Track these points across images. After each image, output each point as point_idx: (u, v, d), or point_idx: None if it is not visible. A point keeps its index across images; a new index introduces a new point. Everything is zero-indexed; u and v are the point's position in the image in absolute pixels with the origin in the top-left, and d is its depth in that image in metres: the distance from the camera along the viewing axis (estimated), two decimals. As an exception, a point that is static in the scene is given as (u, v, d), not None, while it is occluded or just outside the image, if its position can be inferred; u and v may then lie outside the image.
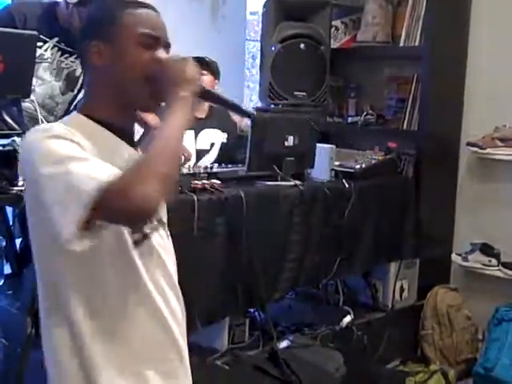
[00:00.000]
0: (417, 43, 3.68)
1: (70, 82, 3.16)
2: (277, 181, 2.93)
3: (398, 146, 3.53)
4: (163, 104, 1.42)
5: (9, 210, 2.59)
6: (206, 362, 2.63)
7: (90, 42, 1.42)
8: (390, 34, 3.84)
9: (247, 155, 2.91)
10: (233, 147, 3.49)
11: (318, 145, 3.15)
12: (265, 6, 3.46)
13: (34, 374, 1.98)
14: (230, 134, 3.55)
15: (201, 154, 3.39)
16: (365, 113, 3.89)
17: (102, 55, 1.42)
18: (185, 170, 2.70)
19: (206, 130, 3.49)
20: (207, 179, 2.67)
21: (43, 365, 1.48)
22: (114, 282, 1.38)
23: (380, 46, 3.82)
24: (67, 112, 3.09)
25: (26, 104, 2.61)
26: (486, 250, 3.55)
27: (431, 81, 3.61)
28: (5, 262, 2.47)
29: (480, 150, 3.51)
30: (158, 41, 1.44)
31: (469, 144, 3.56)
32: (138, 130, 2.68)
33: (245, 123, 3.39)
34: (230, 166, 2.97)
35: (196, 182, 2.61)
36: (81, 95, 2.99)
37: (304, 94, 3.43)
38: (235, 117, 3.65)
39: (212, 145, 3.50)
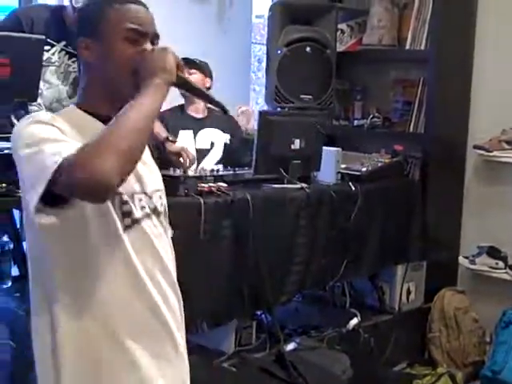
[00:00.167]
0: (423, 46, 3.68)
1: (77, 85, 3.17)
2: (283, 184, 2.93)
3: (405, 148, 3.53)
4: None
5: (16, 212, 2.60)
6: (213, 364, 2.64)
7: (81, 39, 1.46)
8: (395, 37, 3.85)
9: (254, 158, 2.91)
10: (239, 150, 3.49)
11: (325, 148, 3.15)
12: (271, 9, 3.47)
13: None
14: (234, 135, 3.55)
15: (201, 153, 3.39)
16: (371, 116, 3.89)
17: (91, 51, 1.45)
18: (191, 173, 2.71)
19: (205, 129, 3.50)
20: (214, 182, 2.68)
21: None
22: (102, 262, 1.39)
23: (386, 49, 3.83)
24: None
25: (33, 107, 2.62)
26: (493, 252, 3.54)
27: (437, 84, 3.61)
28: (12, 264, 2.49)
29: (487, 153, 3.51)
30: (146, 36, 1.46)
31: (475, 147, 3.56)
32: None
33: (251, 126, 3.40)
34: (236, 169, 2.97)
35: (202, 184, 2.62)
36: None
37: (310, 97, 3.44)
38: (240, 119, 3.65)
39: (212, 144, 3.50)
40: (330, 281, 3.13)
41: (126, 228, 1.41)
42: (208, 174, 2.76)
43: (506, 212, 3.64)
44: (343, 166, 3.25)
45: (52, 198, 1.30)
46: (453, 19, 3.63)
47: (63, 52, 3.07)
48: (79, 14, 1.57)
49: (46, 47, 2.85)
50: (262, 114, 3.04)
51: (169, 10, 3.78)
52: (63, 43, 3.06)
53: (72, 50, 3.09)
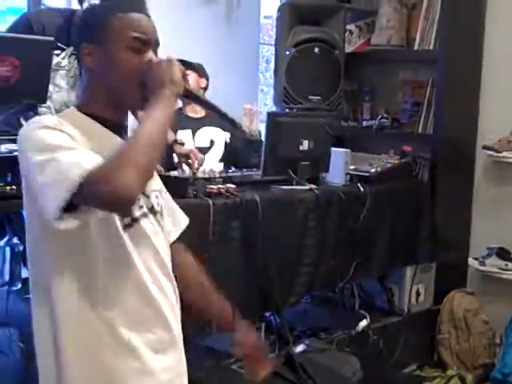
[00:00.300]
0: (431, 47, 3.67)
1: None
2: (292, 185, 2.93)
3: (413, 149, 3.52)
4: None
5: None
6: (222, 366, 2.64)
7: (83, 44, 1.48)
8: (404, 38, 3.83)
9: (262, 159, 2.91)
10: (240, 148, 3.48)
11: (333, 149, 3.14)
12: (279, 10, 3.47)
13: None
14: (234, 133, 3.54)
15: (201, 152, 3.38)
16: (379, 116, 3.88)
17: (93, 57, 1.47)
18: (200, 175, 2.71)
19: (204, 128, 3.50)
20: (222, 184, 2.67)
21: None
22: (102, 261, 1.43)
23: (394, 49, 3.82)
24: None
25: (42, 109, 2.62)
26: (503, 254, 3.53)
27: (446, 84, 3.60)
28: (22, 266, 2.49)
29: (496, 154, 3.50)
30: (149, 44, 1.48)
31: (485, 147, 3.55)
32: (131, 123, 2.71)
33: (254, 127, 3.38)
34: (245, 170, 2.97)
35: (211, 186, 2.61)
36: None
37: (319, 98, 3.43)
38: (244, 119, 3.64)
39: (212, 142, 3.50)
40: (339, 282, 3.12)
41: (126, 227, 1.45)
42: (217, 175, 2.76)
43: (515, 213, 3.63)
44: (352, 167, 3.24)
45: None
46: (462, 19, 3.62)
47: (73, 56, 3.07)
48: (81, 19, 1.57)
49: (57, 51, 2.85)
50: (270, 115, 3.03)
51: (177, 11, 3.79)
52: (73, 48, 3.06)
53: None
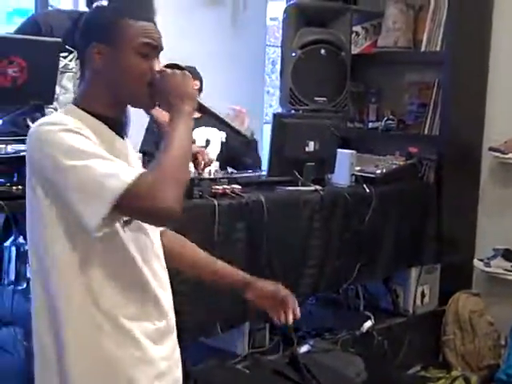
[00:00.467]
0: (438, 48, 3.67)
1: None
2: (297, 186, 2.93)
3: (419, 151, 3.52)
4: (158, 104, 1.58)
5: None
6: (227, 366, 2.64)
7: (93, 44, 1.52)
8: (411, 40, 3.83)
9: (268, 160, 2.92)
10: (236, 148, 3.47)
11: (339, 150, 3.15)
12: (285, 11, 3.48)
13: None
14: (229, 134, 3.53)
15: None
16: (385, 118, 3.88)
17: (103, 58, 1.51)
18: (205, 175, 2.72)
19: (199, 128, 3.50)
20: (228, 184, 2.68)
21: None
22: (102, 257, 1.47)
23: (401, 51, 3.82)
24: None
25: (49, 110, 2.63)
26: (509, 255, 3.52)
27: (453, 86, 3.60)
28: (27, 265, 2.50)
29: (502, 155, 3.50)
30: (156, 50, 1.54)
31: (491, 149, 3.55)
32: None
33: (246, 126, 3.37)
34: (249, 171, 2.97)
35: (217, 187, 2.62)
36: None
37: (325, 99, 3.44)
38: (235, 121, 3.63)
39: (208, 141, 3.50)
40: (343, 283, 3.13)
41: (125, 224, 1.49)
42: (222, 176, 2.77)
43: (521, 215, 3.63)
44: (357, 168, 3.25)
45: None
46: (468, 21, 3.62)
47: None
48: (92, 18, 1.60)
49: (64, 54, 2.86)
50: (276, 116, 3.05)
51: (183, 13, 3.80)
52: (76, 46, 3.07)
53: None
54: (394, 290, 3.48)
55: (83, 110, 1.53)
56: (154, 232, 1.60)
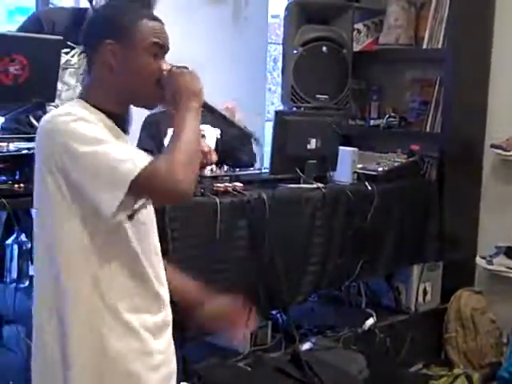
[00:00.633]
0: (440, 45, 3.66)
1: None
2: (299, 184, 2.93)
3: (421, 148, 3.52)
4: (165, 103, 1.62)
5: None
6: (229, 364, 2.65)
7: (108, 41, 1.53)
8: (412, 37, 3.83)
9: (269, 158, 2.91)
10: (231, 143, 3.46)
11: (341, 148, 3.15)
12: (287, 8, 3.48)
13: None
14: (224, 130, 3.52)
15: None
16: (387, 115, 3.87)
17: (115, 54, 1.54)
18: (207, 173, 2.71)
19: None
20: (229, 182, 2.68)
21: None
22: (107, 249, 1.51)
23: (403, 48, 3.81)
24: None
25: (51, 107, 2.63)
26: (511, 253, 3.52)
27: (454, 83, 3.59)
28: (30, 263, 2.50)
29: (504, 152, 3.50)
30: (164, 50, 1.59)
31: (493, 146, 3.54)
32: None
33: (238, 119, 3.36)
34: (251, 169, 2.97)
35: (218, 184, 2.62)
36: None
37: (326, 96, 3.44)
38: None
39: (203, 137, 3.48)
40: (345, 281, 3.13)
41: (129, 218, 1.52)
42: (224, 173, 2.76)
43: (524, 212, 3.63)
44: (359, 165, 3.25)
45: None
46: (470, 18, 3.61)
47: (83, 54, 3.08)
48: (105, 14, 1.63)
49: (66, 50, 2.86)
50: (278, 113, 3.04)
51: (185, 11, 3.79)
52: (83, 46, 3.06)
53: None
54: (396, 288, 3.48)
55: (91, 105, 1.55)
56: (153, 227, 1.63)
